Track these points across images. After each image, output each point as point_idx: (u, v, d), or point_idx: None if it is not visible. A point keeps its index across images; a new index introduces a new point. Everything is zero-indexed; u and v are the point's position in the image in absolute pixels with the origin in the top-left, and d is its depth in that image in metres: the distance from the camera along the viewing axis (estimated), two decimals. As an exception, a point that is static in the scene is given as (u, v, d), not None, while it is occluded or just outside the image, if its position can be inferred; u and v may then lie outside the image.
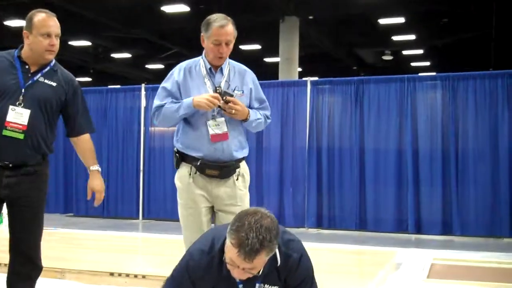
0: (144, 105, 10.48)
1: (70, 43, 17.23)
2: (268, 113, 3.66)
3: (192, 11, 13.73)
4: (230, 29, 3.43)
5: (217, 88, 3.45)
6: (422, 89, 9.04)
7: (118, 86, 10.99)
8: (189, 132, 3.47)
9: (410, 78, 9.16)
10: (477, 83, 8.71)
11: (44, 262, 5.44)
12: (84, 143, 3.57)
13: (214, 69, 3.53)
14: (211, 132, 3.42)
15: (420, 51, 18.43)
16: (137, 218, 10.35)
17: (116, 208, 10.57)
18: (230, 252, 2.21)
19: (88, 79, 22.25)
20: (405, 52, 18.71)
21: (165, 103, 3.51)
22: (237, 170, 3.47)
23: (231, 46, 3.48)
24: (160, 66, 20.72)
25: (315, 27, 14.78)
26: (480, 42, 15.85)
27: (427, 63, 20.02)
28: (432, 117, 8.92)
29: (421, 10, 14.35)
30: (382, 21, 14.84)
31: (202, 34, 3.51)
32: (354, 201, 9.14)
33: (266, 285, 2.42)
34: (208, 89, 3.47)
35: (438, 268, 6.13)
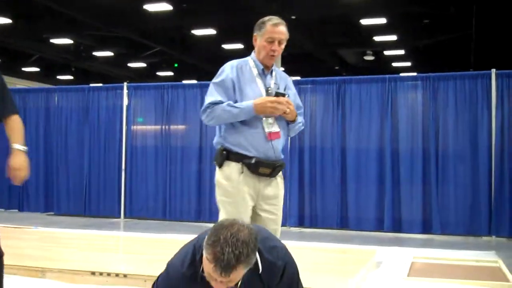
0: (126, 104, 10.46)
1: (52, 41, 17.11)
2: (303, 119, 3.69)
3: (174, 9, 13.70)
4: (284, 28, 3.48)
5: (268, 89, 3.47)
6: (403, 89, 9.13)
7: (100, 85, 10.93)
8: (243, 130, 3.42)
9: (392, 78, 9.25)
10: (457, 83, 8.81)
11: (25, 261, 5.45)
12: (12, 123, 3.48)
13: (266, 69, 3.56)
14: (267, 130, 3.42)
15: (402, 52, 18.56)
16: (119, 217, 10.32)
17: (97, 207, 10.53)
18: (207, 267, 2.18)
19: (70, 77, 22.10)
20: (386, 53, 18.83)
21: (220, 101, 3.41)
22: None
23: (283, 46, 3.52)
24: (142, 64, 20.65)
25: (298, 27, 14.80)
26: (460, 43, 16.00)
27: (408, 64, 20.16)
28: (413, 117, 9.02)
29: (402, 11, 14.46)
30: (364, 21, 14.92)
31: (254, 34, 3.55)
32: (335, 200, 9.21)
33: None
34: (261, 89, 3.48)
35: (418, 266, 6.20)
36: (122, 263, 5.83)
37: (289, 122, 3.57)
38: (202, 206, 9.93)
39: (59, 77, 22.05)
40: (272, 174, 3.43)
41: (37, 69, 20.21)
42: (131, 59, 19.97)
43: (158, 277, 2.43)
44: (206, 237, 2.20)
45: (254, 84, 3.49)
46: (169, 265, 2.43)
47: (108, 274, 5.08)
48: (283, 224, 9.17)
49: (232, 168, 3.39)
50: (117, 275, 5.06)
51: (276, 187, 3.51)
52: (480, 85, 8.71)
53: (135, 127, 10.51)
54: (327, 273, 5.36)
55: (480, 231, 8.55)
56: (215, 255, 2.11)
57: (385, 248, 7.19)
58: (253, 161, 3.37)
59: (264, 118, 3.42)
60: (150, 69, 20.92)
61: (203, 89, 10.12)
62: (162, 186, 10.17)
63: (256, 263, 2.31)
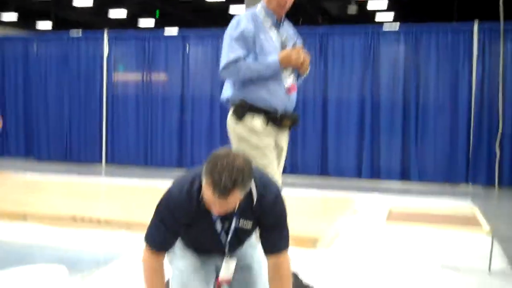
0: (107, 52, 10.34)
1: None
2: None
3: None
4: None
5: (283, 41, 3.41)
6: (385, 41, 9.11)
7: (80, 33, 10.74)
8: (264, 84, 3.35)
9: (374, 29, 9.22)
10: (439, 36, 8.82)
11: (6, 206, 5.48)
12: None
13: (278, 20, 3.46)
14: (286, 84, 3.40)
15: (385, 3, 18.44)
16: (100, 163, 10.33)
17: (78, 153, 10.52)
18: (206, 193, 2.31)
19: (49, 25, 21.70)
20: (369, 4, 18.70)
21: (242, 57, 3.29)
22: None
23: None
24: (123, 12, 20.31)
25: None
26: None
27: (391, 15, 20.06)
28: (395, 68, 9.03)
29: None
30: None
31: None
32: (316, 148, 9.29)
33: (241, 219, 2.53)
34: (275, 42, 3.40)
35: (396, 213, 6.33)
36: (104, 209, 5.88)
37: (300, 75, 3.53)
38: (183, 153, 9.97)
39: (38, 24, 21.65)
40: (291, 126, 3.48)
41: (14, 16, 19.80)
42: (112, 6, 19.62)
43: (160, 201, 2.52)
44: (204, 166, 2.32)
45: (268, 36, 3.36)
46: (168, 192, 2.52)
47: (90, 220, 5.13)
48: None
49: (256, 121, 3.34)
50: (98, 221, 5.11)
51: (287, 139, 3.56)
52: (462, 38, 8.72)
53: (116, 75, 10.42)
54: (307, 220, 5.45)
55: (457, 179, 8.71)
56: (213, 180, 2.25)
57: (364, 195, 7.32)
58: (278, 114, 3.38)
59: (284, 73, 3.38)
60: (131, 19, 20.58)
61: (185, 38, 10.05)
62: (143, 133, 10.15)
63: (251, 194, 2.46)
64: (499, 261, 4.28)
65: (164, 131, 10.07)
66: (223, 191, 2.25)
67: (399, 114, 8.94)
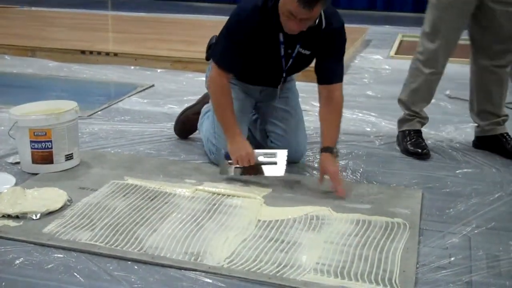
0: None
1: None
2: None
3: None
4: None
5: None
6: None
7: None
8: None
9: None
10: None
11: (14, 41, 5.45)
12: None
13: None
14: None
15: None
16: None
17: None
18: (290, 3, 2.25)
19: None
20: None
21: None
22: None
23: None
24: None
25: None
26: None
27: None
28: None
29: None
30: None
31: None
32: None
33: (303, 48, 2.55)
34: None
35: (406, 44, 6.25)
36: (112, 42, 5.84)
37: None
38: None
39: None
40: None
41: None
42: None
43: (230, 18, 2.52)
44: None
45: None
46: (239, 7, 2.50)
47: (99, 53, 5.13)
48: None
49: None
50: (107, 53, 5.11)
51: None
52: None
53: None
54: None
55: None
56: None
57: (375, 27, 7.19)
58: None
59: None
60: None
61: None
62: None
63: (320, 20, 2.46)
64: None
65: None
66: (309, 1, 2.21)
67: None
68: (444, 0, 2.88)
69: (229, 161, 2.58)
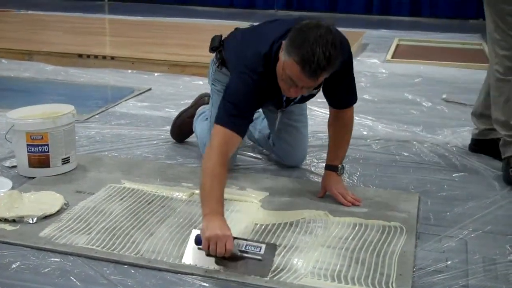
0: None
1: None
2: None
3: None
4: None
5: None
6: None
7: None
8: None
9: None
10: None
11: (11, 44, 5.45)
12: None
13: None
14: None
15: None
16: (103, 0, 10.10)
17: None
18: (291, 70, 1.99)
19: None
20: None
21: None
22: None
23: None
24: None
25: None
26: None
27: None
28: None
29: None
30: None
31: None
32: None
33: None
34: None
35: (403, 48, 6.27)
36: (109, 46, 5.83)
37: None
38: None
39: None
40: None
41: None
42: None
43: (226, 89, 2.22)
44: (288, 40, 2.02)
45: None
46: (240, 73, 2.22)
47: (95, 57, 5.13)
48: (271, 7, 9.17)
49: None
50: (104, 57, 5.11)
51: None
52: None
53: None
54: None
55: (467, 14, 8.49)
56: (304, 57, 1.93)
57: (372, 31, 7.20)
58: None
59: None
60: None
61: None
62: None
63: None
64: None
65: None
66: (315, 70, 1.93)
67: None
68: None
69: (199, 246, 1.93)
